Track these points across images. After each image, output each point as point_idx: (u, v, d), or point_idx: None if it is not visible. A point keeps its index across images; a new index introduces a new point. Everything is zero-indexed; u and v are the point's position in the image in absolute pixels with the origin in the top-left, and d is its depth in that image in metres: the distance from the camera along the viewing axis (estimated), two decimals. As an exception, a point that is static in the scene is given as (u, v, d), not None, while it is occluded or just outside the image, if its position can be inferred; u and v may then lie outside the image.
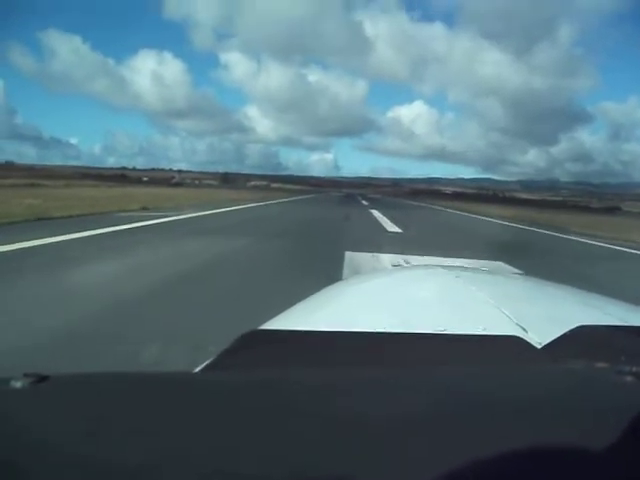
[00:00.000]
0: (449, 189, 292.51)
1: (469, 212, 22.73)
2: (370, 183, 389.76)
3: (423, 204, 34.94)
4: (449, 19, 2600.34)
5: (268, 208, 17.18)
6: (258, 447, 0.29)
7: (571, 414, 0.34)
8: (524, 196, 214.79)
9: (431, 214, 21.11)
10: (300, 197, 35.67)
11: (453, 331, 0.65)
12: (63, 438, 0.30)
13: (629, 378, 0.40)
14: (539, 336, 0.63)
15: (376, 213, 15.96)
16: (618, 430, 0.31)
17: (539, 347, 0.58)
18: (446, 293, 1.03)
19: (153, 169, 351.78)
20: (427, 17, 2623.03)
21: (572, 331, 0.60)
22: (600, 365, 0.47)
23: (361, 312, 0.89)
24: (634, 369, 0.41)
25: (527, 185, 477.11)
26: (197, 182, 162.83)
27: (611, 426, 0.31)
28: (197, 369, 0.56)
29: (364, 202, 30.60)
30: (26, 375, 0.37)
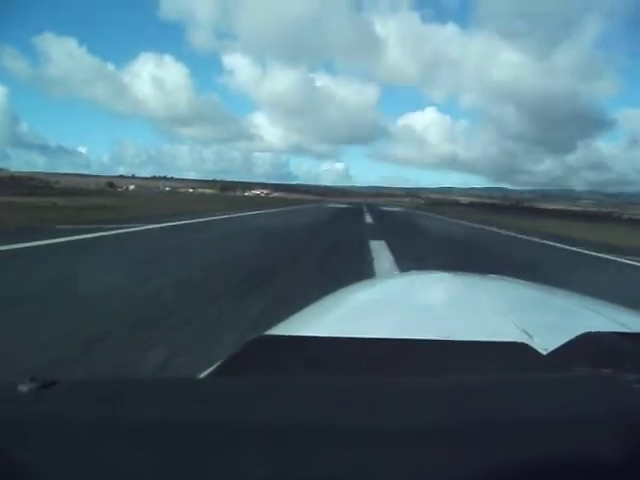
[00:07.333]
0: (464, 199, 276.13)
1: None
2: (381, 192, 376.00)
3: (512, 232, 17.23)
4: (462, 19, 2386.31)
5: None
6: (261, 453, 0.29)
7: (577, 421, 0.34)
8: (547, 206, 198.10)
9: None
10: (268, 210, 21.10)
11: (458, 337, 0.65)
12: (68, 446, 0.30)
13: (635, 385, 0.39)
14: (545, 343, 0.62)
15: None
16: (625, 437, 0.30)
17: (545, 354, 0.59)
18: (452, 299, 1.06)
19: (154, 177, 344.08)
20: (440, 17, 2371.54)
21: (578, 338, 0.59)
22: (606, 372, 0.47)
23: (367, 318, 0.90)
24: None
25: (541, 194, 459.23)
26: (191, 190, 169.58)
27: (618, 433, 0.31)
28: (204, 374, 0.56)
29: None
30: (33, 379, 0.36)
